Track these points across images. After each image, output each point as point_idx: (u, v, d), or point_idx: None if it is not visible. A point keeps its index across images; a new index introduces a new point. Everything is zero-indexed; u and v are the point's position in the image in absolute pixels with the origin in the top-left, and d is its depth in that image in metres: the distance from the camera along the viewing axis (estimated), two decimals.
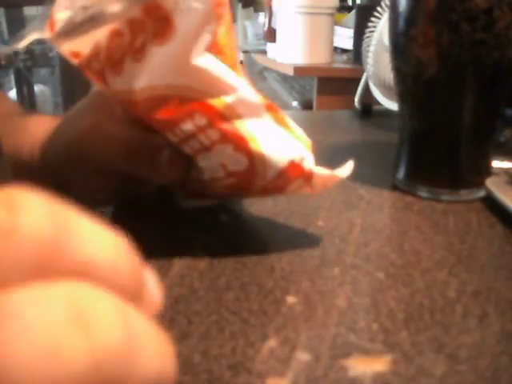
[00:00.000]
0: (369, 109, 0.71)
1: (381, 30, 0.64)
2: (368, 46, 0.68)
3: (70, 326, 0.10)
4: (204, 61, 0.25)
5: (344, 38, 1.49)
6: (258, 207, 0.36)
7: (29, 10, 2.87)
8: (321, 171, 0.28)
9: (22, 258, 0.11)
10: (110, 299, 0.11)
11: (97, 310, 0.11)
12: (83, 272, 0.12)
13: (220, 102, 0.26)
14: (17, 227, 0.11)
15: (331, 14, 1.34)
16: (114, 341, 0.11)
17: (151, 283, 0.14)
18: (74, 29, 0.26)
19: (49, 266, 0.11)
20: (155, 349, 0.12)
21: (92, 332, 0.10)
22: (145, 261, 0.13)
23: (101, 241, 0.12)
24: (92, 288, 0.11)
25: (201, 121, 0.26)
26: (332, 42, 1.40)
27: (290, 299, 0.25)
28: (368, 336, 0.22)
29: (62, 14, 0.25)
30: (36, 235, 0.11)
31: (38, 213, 0.11)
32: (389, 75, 0.63)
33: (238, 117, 0.26)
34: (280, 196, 0.34)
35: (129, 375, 0.11)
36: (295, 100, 1.56)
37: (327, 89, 1.38)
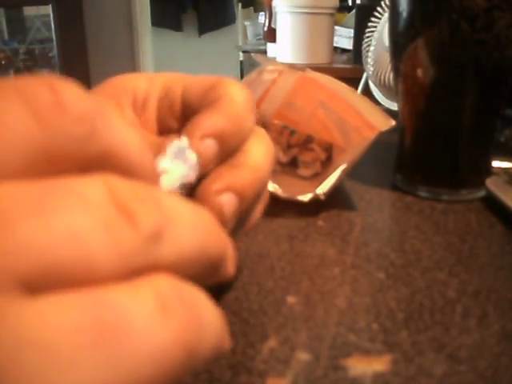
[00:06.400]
0: None
1: (381, 30, 0.64)
2: (368, 45, 0.68)
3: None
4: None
5: (344, 37, 1.49)
6: None
7: (29, 10, 2.87)
8: None
9: (68, 131, 0.11)
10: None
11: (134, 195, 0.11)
12: (108, 157, 0.12)
13: None
14: (62, 103, 0.11)
15: (331, 14, 1.34)
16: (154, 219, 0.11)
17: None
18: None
19: (84, 144, 0.11)
20: (191, 221, 0.13)
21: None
22: None
23: (130, 131, 0.13)
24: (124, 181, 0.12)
25: None
26: (332, 41, 1.39)
27: (290, 299, 0.25)
28: (368, 336, 0.22)
29: None
30: (80, 111, 0.11)
31: (78, 91, 0.12)
32: (389, 75, 0.63)
33: None
34: (279, 196, 0.34)
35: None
36: None
37: None
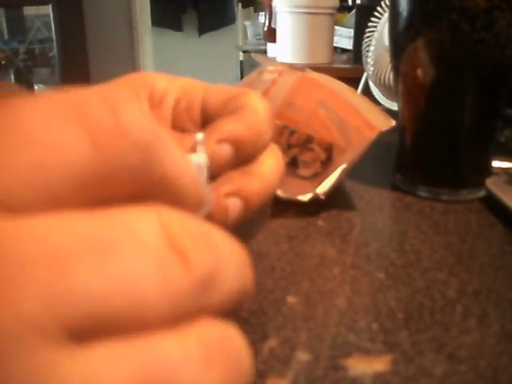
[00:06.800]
0: None
1: (381, 30, 0.64)
2: (368, 45, 0.68)
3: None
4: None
5: (344, 37, 1.49)
6: None
7: (29, 10, 2.88)
8: None
9: (125, 158, 0.11)
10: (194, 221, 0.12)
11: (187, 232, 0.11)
12: (161, 180, 0.12)
13: None
14: (121, 128, 0.11)
15: (331, 14, 1.34)
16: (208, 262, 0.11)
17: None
18: None
19: (140, 171, 0.11)
20: (236, 260, 0.13)
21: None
22: None
23: (182, 155, 0.12)
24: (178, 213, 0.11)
25: None
26: (332, 42, 1.39)
27: (290, 299, 0.25)
28: (368, 336, 0.22)
29: None
30: (139, 137, 0.11)
31: (138, 114, 0.11)
32: (389, 75, 0.63)
33: None
34: (279, 196, 0.34)
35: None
36: None
37: None
